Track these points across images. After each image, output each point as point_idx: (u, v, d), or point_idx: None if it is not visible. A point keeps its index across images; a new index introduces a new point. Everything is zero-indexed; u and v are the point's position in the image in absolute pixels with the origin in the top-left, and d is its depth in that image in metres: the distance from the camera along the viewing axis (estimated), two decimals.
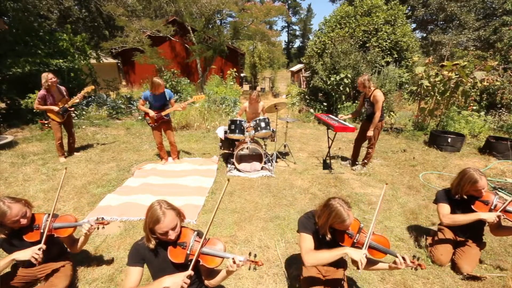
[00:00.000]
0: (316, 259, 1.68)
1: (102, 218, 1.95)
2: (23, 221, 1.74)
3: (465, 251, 2.31)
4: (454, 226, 2.31)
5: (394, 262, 1.64)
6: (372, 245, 1.73)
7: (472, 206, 2.20)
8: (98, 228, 1.93)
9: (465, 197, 2.20)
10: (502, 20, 15.36)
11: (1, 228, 1.73)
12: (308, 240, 1.77)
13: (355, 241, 1.75)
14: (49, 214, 1.88)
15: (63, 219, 1.93)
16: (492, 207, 2.13)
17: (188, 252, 1.50)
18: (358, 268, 1.59)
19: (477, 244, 2.35)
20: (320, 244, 1.80)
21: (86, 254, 2.40)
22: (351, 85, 8.12)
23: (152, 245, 1.48)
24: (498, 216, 2.04)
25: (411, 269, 1.63)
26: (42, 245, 1.73)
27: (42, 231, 1.81)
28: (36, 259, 1.67)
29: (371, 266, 1.80)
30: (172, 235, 1.45)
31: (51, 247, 1.95)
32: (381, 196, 1.76)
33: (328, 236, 1.72)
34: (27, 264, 1.82)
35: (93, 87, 4.74)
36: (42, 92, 4.15)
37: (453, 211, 2.28)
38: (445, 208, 2.29)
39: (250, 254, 1.49)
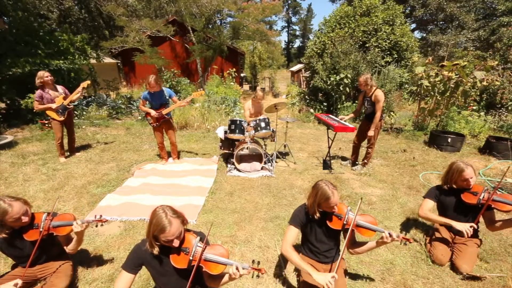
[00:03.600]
0: (287, 255, 1.83)
1: (101, 216, 1.94)
2: (25, 219, 1.72)
3: (462, 250, 2.31)
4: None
5: (381, 238, 1.75)
6: (360, 223, 1.82)
7: (461, 196, 2.28)
8: (96, 226, 1.93)
9: (454, 186, 2.31)
10: (500, 21, 15.37)
11: (1, 228, 1.70)
12: (293, 233, 1.91)
13: (344, 222, 1.83)
14: (48, 213, 1.87)
15: (62, 218, 1.90)
16: (481, 198, 2.20)
17: (191, 258, 1.49)
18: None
19: (473, 240, 2.35)
20: (310, 226, 1.93)
21: (86, 254, 2.40)
22: (351, 85, 8.12)
23: (156, 251, 1.47)
24: (472, 227, 2.12)
25: (400, 243, 1.76)
26: (18, 281, 1.68)
27: (41, 230, 1.80)
28: None
29: (358, 248, 1.93)
30: (176, 243, 1.45)
31: (51, 247, 1.95)
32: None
33: (317, 215, 1.82)
34: (23, 261, 1.82)
35: (89, 82, 4.71)
36: (38, 91, 4.16)
37: (443, 201, 2.42)
38: (428, 203, 2.47)
39: (253, 261, 1.49)
